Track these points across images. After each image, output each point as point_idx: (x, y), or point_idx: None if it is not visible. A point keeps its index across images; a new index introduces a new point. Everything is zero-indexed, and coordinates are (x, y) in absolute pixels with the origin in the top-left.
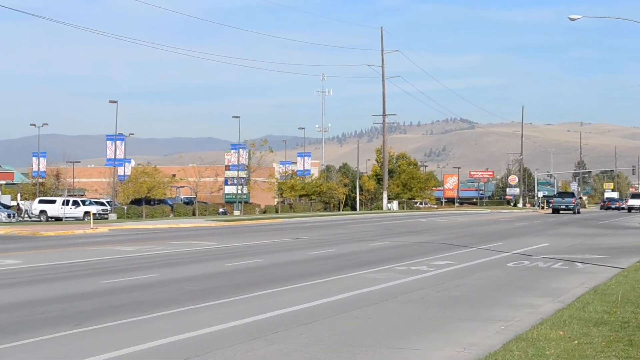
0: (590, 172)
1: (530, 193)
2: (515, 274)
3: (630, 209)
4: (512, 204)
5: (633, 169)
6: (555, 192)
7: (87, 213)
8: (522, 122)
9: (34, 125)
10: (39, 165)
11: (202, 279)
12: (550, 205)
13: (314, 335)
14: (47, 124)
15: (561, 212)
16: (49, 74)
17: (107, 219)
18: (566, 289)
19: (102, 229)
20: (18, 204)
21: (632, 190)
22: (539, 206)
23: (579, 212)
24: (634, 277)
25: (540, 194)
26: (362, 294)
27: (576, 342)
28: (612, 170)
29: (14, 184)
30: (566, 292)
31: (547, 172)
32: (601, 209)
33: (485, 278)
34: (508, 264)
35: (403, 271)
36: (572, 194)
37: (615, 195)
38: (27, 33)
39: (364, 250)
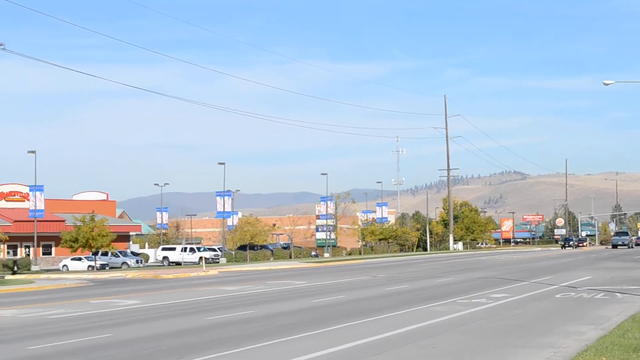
0: (626, 214)
1: (575, 233)
2: (563, 304)
3: None
4: (559, 243)
5: None
6: (614, 231)
7: (201, 258)
8: (566, 173)
9: (157, 184)
10: (162, 218)
11: (291, 314)
12: (610, 241)
13: None
14: (168, 184)
15: (619, 247)
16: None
17: (218, 262)
18: (608, 317)
19: (213, 271)
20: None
21: None
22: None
23: (632, 247)
24: None
25: (584, 234)
26: (427, 325)
27: None
28: None
29: (142, 234)
30: (608, 320)
31: (589, 215)
32: (636, 245)
33: (536, 308)
34: (556, 295)
35: (465, 304)
36: (626, 233)
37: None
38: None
39: (432, 285)
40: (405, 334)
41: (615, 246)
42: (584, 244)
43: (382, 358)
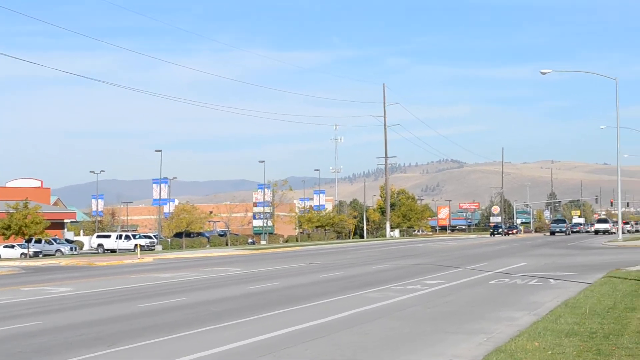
0: (561, 202)
1: (510, 220)
2: (497, 291)
3: (596, 231)
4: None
5: (596, 198)
6: (549, 219)
7: (136, 245)
8: (502, 161)
9: (93, 172)
10: (97, 205)
11: (225, 301)
12: (548, 228)
13: (318, 350)
14: (104, 171)
15: (556, 234)
16: (108, 128)
17: (154, 249)
18: (541, 303)
19: (148, 258)
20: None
21: (596, 216)
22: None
23: (569, 234)
24: (600, 291)
25: (518, 221)
26: (361, 311)
27: (550, 352)
28: (579, 200)
29: (77, 222)
30: (541, 306)
31: (524, 202)
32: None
33: (470, 295)
34: (490, 282)
35: (399, 290)
36: (564, 220)
37: (581, 220)
38: (90, 95)
39: (367, 272)
40: (339, 321)
41: (553, 233)
42: (514, 231)
43: (316, 344)
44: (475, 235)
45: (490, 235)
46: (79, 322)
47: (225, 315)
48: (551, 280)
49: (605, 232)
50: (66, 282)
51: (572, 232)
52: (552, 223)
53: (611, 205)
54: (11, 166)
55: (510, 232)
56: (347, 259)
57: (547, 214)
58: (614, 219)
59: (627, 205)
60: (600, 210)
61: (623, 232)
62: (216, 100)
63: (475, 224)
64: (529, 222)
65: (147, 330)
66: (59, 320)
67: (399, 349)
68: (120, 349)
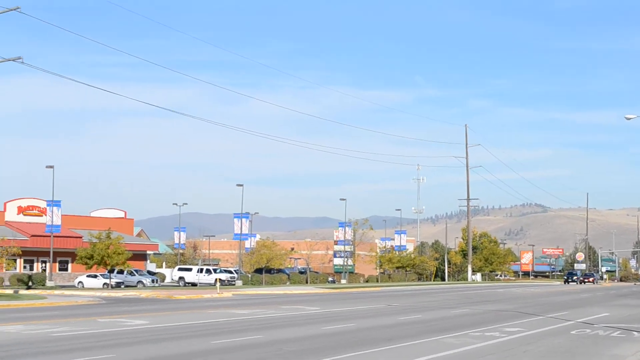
0: None
1: (595, 268)
2: (577, 341)
3: None
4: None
5: None
6: (637, 268)
7: (217, 280)
8: (587, 207)
9: (176, 204)
10: (179, 238)
11: (299, 341)
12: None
13: None
14: (186, 203)
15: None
16: (192, 161)
17: (234, 284)
18: (623, 357)
19: (227, 293)
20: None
21: None
22: (601, 279)
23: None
24: None
25: (603, 269)
26: (437, 357)
27: None
28: None
29: (160, 254)
30: (623, 359)
31: (609, 250)
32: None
33: (550, 345)
34: (572, 332)
35: (477, 337)
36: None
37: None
38: (174, 128)
39: (446, 316)
40: None
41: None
42: (591, 279)
43: None
44: (559, 283)
45: (565, 282)
46: (149, 357)
47: (297, 356)
48: (635, 332)
49: None
50: (143, 314)
51: None
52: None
53: None
54: (96, 196)
55: (586, 279)
56: (427, 301)
57: (633, 262)
58: None
59: None
60: None
61: None
62: (298, 136)
63: (559, 270)
64: (615, 271)
65: None
66: (130, 354)
67: None
68: None
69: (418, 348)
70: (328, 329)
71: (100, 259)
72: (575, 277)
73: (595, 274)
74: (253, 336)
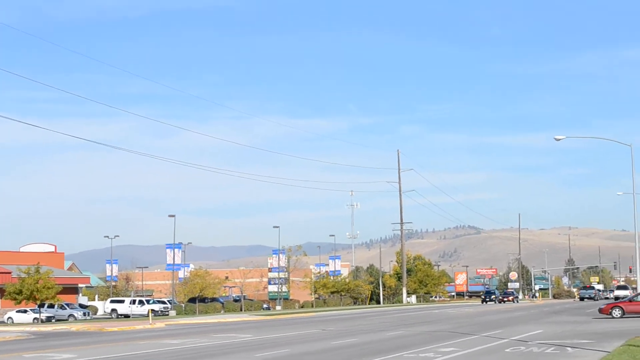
0: (579, 268)
1: (528, 287)
2: (512, 359)
3: (616, 298)
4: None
5: (615, 265)
6: (580, 286)
7: (149, 311)
8: (519, 227)
9: (107, 237)
10: (112, 270)
11: None
12: (578, 294)
13: None
14: (118, 236)
15: (585, 299)
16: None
17: (167, 315)
18: None
19: (160, 324)
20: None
21: (615, 283)
22: (534, 297)
23: (598, 300)
24: None
25: (537, 287)
26: None
27: None
28: (597, 266)
29: (92, 287)
30: None
31: (542, 269)
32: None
33: None
34: (506, 350)
35: (412, 359)
36: (592, 287)
37: (600, 287)
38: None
39: (380, 339)
40: None
41: (582, 299)
42: (510, 298)
43: None
44: (470, 303)
45: (482, 302)
46: None
47: None
48: (568, 348)
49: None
50: (72, 348)
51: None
52: (581, 290)
53: (630, 272)
54: (25, 232)
55: (505, 299)
56: (362, 325)
57: (565, 280)
58: (634, 286)
59: None
60: (620, 277)
61: None
62: (231, 166)
63: (502, 291)
64: (548, 288)
65: None
66: None
67: None
68: None
69: None
70: (259, 356)
71: (30, 293)
72: (493, 297)
73: (514, 292)
74: None
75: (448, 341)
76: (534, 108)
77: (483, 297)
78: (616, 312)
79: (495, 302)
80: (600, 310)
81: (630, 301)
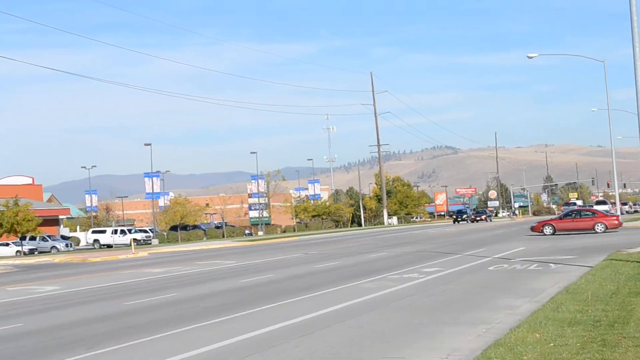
0: (557, 184)
1: (508, 205)
2: (496, 277)
3: None
4: (493, 215)
5: (592, 181)
6: (560, 203)
7: (132, 240)
8: (496, 146)
9: (85, 167)
10: (91, 201)
11: (216, 296)
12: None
13: (308, 347)
14: (95, 166)
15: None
16: (100, 124)
17: (150, 244)
18: (541, 289)
19: (142, 253)
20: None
21: (593, 198)
22: (514, 215)
23: None
24: (601, 275)
25: (516, 205)
26: (356, 303)
27: (552, 344)
28: (575, 182)
29: (73, 218)
30: (541, 292)
31: (521, 187)
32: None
33: (469, 282)
34: (489, 268)
35: (396, 279)
36: (574, 203)
37: (579, 202)
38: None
39: (364, 261)
40: (333, 313)
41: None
42: (483, 217)
43: (307, 340)
44: (443, 222)
45: (454, 222)
46: (60, 323)
47: (214, 312)
48: (551, 264)
49: None
50: (56, 280)
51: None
52: (563, 206)
53: (608, 187)
54: (2, 165)
55: (478, 217)
56: (344, 247)
57: (544, 197)
58: (612, 201)
59: (624, 187)
60: (598, 192)
61: (621, 214)
62: (205, 93)
63: (474, 209)
64: (527, 206)
65: (129, 330)
66: (39, 322)
67: (393, 343)
68: (100, 352)
69: (338, 294)
70: (245, 282)
71: (10, 226)
72: (465, 216)
73: (487, 211)
74: (168, 294)
75: (431, 261)
76: (507, 26)
77: (455, 216)
78: (547, 230)
79: (467, 222)
80: (532, 229)
81: (560, 219)
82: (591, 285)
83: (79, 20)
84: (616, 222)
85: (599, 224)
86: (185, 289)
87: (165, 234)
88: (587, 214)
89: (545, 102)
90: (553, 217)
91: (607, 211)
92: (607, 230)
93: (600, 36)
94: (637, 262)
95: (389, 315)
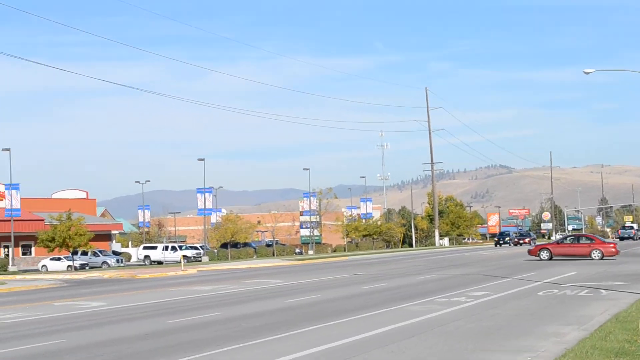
0: (612, 207)
1: (561, 227)
2: (545, 303)
3: None
4: (546, 237)
5: None
6: (614, 226)
7: (182, 257)
8: (551, 166)
9: (139, 182)
10: (144, 216)
11: (260, 316)
12: (618, 234)
13: None
14: (149, 181)
15: (624, 239)
16: (155, 139)
17: (200, 261)
18: (591, 317)
19: (192, 270)
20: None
21: None
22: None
23: (636, 239)
24: None
25: (570, 227)
26: (400, 327)
27: None
28: (631, 205)
29: (125, 233)
30: (590, 320)
31: (575, 208)
32: (617, 238)
33: (517, 307)
34: (539, 293)
35: (443, 303)
36: (632, 227)
37: (634, 225)
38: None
39: (412, 283)
40: (375, 337)
41: (622, 238)
42: (526, 240)
43: None
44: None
45: (495, 245)
46: (102, 340)
47: (256, 332)
48: (602, 290)
49: None
50: (103, 295)
51: (623, 238)
52: (621, 229)
53: None
54: (57, 178)
55: (522, 240)
56: (393, 269)
57: (598, 219)
58: None
59: None
60: None
61: None
62: (261, 108)
63: (527, 231)
64: (581, 228)
65: (172, 349)
66: (83, 338)
67: None
68: None
69: (382, 317)
70: (291, 302)
71: (62, 241)
72: (508, 239)
73: (532, 234)
74: (212, 313)
75: (480, 285)
76: (563, 42)
77: (497, 239)
78: (544, 254)
79: (510, 245)
80: (529, 252)
81: (557, 243)
82: None
83: (135, 34)
84: (613, 249)
85: (596, 251)
86: (230, 308)
87: (215, 251)
88: (585, 240)
89: (603, 120)
90: (551, 241)
91: (601, 239)
92: (603, 258)
93: None
94: None
95: (433, 340)
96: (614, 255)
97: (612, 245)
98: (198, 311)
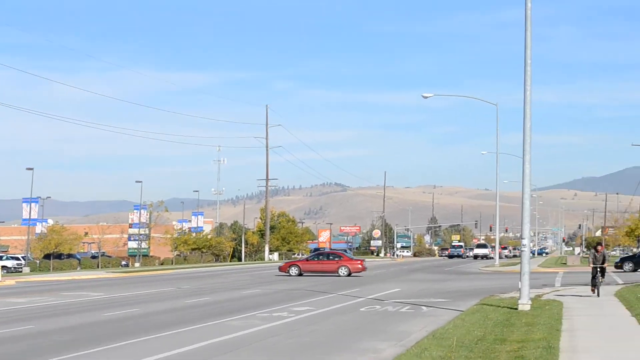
0: (441, 226)
1: (391, 244)
2: (366, 318)
3: (475, 256)
4: (375, 254)
5: (475, 223)
6: (442, 245)
7: (3, 267)
8: (385, 185)
9: None
10: None
11: (74, 330)
12: (447, 252)
13: None
14: None
15: (453, 257)
16: None
17: (21, 272)
18: (409, 333)
19: (10, 281)
20: None
21: (475, 241)
22: (396, 255)
23: (464, 257)
24: (470, 320)
25: (399, 245)
26: (217, 342)
27: None
28: (459, 225)
29: None
30: (408, 336)
31: (405, 227)
32: (447, 256)
33: (338, 323)
34: (361, 309)
35: (264, 318)
36: (461, 246)
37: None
38: None
39: (235, 297)
40: (188, 353)
41: (451, 257)
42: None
43: None
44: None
45: None
46: None
47: (67, 347)
48: (423, 307)
49: (484, 257)
50: None
51: (452, 256)
52: (451, 248)
53: (490, 230)
54: None
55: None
56: (219, 282)
57: (427, 238)
58: (493, 244)
59: (506, 231)
60: (480, 235)
61: (501, 257)
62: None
63: (356, 248)
64: (409, 246)
65: None
66: None
67: None
68: None
69: (199, 332)
70: (108, 316)
71: None
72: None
73: (348, 252)
74: (23, 327)
75: (304, 300)
76: (406, 66)
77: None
78: (293, 271)
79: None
80: (280, 269)
81: (307, 260)
82: (458, 331)
83: None
84: (359, 266)
85: (343, 267)
86: (43, 321)
87: (38, 262)
88: (334, 257)
89: (439, 143)
90: (300, 258)
91: (486, 255)
92: (351, 274)
93: (496, 80)
94: (508, 307)
95: (248, 357)
96: (360, 272)
97: (359, 262)
98: (8, 325)
